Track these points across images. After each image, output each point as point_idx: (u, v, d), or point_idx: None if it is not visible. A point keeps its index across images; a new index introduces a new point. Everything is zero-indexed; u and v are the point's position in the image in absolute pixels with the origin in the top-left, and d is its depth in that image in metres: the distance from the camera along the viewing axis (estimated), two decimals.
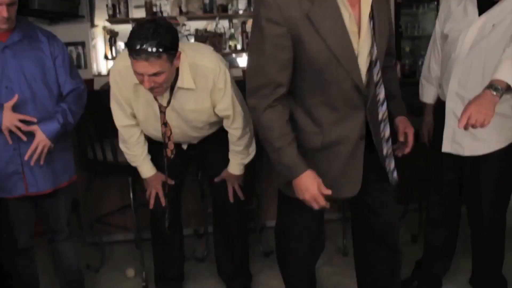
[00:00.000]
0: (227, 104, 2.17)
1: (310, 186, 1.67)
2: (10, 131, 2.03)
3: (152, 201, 2.42)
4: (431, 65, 2.43)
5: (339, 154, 1.76)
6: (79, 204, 3.22)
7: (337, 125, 1.72)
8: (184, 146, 2.37)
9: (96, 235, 3.27)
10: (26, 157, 2.06)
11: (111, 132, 2.65)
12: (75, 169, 2.37)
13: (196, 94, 2.11)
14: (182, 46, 2.00)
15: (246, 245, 2.67)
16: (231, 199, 2.45)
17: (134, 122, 2.27)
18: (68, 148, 2.31)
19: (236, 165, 2.40)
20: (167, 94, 2.10)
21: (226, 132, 2.35)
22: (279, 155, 1.68)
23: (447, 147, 2.27)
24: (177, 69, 2.03)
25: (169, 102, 2.12)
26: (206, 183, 2.66)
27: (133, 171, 2.70)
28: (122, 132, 2.31)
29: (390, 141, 1.79)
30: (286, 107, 1.70)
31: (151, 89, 1.95)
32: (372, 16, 1.63)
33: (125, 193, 3.04)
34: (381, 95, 1.72)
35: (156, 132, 2.24)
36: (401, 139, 1.87)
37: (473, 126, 1.69)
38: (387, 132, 1.77)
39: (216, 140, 2.39)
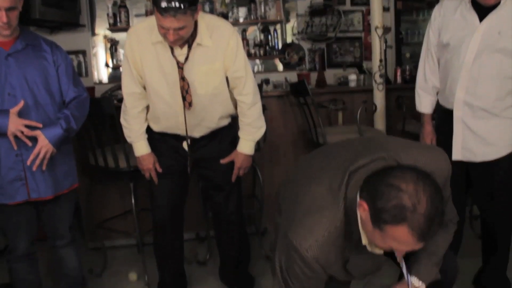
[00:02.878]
0: (240, 65, 2.27)
1: None
2: (15, 137, 2.06)
3: (152, 179, 2.43)
4: (427, 75, 2.42)
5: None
6: (81, 210, 3.25)
7: None
8: (185, 146, 2.39)
9: (98, 240, 3.29)
10: (28, 162, 2.09)
11: (112, 139, 2.69)
12: (77, 176, 2.38)
13: (210, 52, 2.19)
14: (202, 13, 2.19)
15: (248, 249, 2.69)
16: (233, 179, 2.45)
17: (139, 91, 2.31)
18: (69, 155, 2.33)
19: (246, 142, 2.40)
20: (185, 51, 2.18)
21: (232, 146, 2.40)
22: None
23: (457, 155, 2.26)
24: (195, 28, 2.15)
25: (186, 58, 2.18)
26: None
27: (135, 177, 2.73)
28: (127, 101, 2.34)
29: None
30: None
31: (173, 42, 2.07)
32: None
33: (127, 199, 3.06)
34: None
35: (168, 96, 2.24)
36: None
37: None
38: None
39: (220, 152, 2.41)
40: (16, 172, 2.13)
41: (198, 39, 2.17)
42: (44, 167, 2.12)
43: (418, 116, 3.42)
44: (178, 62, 2.18)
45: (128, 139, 2.42)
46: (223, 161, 2.41)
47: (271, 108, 3.44)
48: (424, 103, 2.47)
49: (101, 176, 3.15)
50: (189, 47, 2.17)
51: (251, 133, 2.39)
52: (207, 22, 2.20)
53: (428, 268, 1.63)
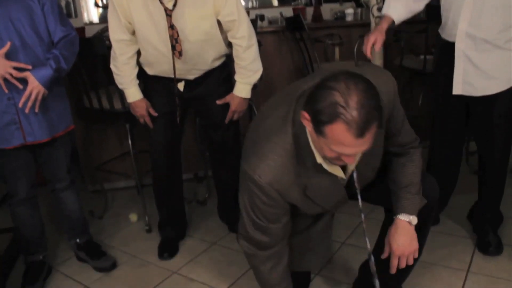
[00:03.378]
0: (232, 8, 2.16)
1: None
2: (5, 80, 2.02)
3: (149, 124, 2.41)
4: None
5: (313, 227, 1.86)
6: (79, 153, 3.26)
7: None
8: (181, 87, 2.35)
9: (98, 183, 3.32)
10: (20, 104, 2.05)
11: (106, 80, 2.64)
12: (72, 119, 2.37)
13: None
14: None
15: None
16: (227, 121, 2.42)
17: (128, 38, 2.24)
18: (62, 97, 2.29)
19: (242, 85, 2.35)
20: None
21: (227, 82, 2.34)
22: None
23: (458, 89, 2.20)
24: None
25: (175, 5, 2.10)
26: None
27: (131, 118, 2.71)
28: (115, 48, 2.27)
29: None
30: (282, 255, 1.68)
31: None
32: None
33: (124, 140, 3.06)
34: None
35: (159, 44, 2.18)
36: (384, 255, 1.68)
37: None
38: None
39: (215, 88, 2.37)
40: (10, 116, 2.10)
41: None
42: (36, 109, 2.09)
43: (416, 51, 3.37)
44: (166, 9, 2.09)
45: (120, 86, 2.37)
46: (219, 102, 2.38)
47: (266, 44, 3.37)
48: (394, 6, 2.27)
49: (96, 118, 3.13)
50: None
51: (247, 76, 2.33)
52: None
53: (411, 200, 1.64)
